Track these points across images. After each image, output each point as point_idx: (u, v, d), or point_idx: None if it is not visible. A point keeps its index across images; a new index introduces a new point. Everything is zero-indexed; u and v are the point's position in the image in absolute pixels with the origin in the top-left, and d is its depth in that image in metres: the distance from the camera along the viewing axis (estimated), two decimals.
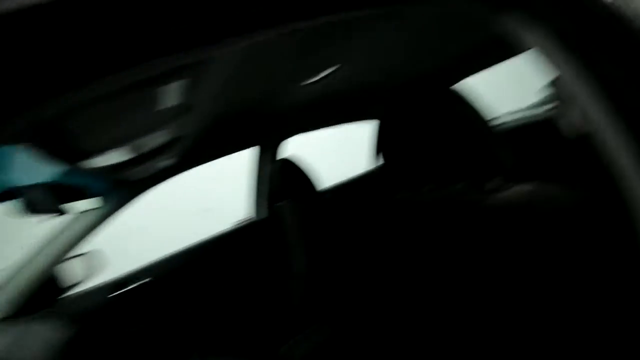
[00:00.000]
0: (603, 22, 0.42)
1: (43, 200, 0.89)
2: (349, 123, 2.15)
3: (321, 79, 1.25)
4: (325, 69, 1.14)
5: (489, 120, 0.60)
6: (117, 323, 1.37)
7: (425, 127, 0.59)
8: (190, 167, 1.52)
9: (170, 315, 1.48)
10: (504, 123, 2.24)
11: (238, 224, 1.81)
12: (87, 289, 1.33)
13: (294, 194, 1.35)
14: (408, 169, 0.66)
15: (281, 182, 1.35)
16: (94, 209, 1.20)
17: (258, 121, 1.55)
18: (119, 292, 1.38)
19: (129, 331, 1.38)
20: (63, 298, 1.21)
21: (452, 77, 2.04)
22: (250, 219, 1.87)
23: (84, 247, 1.24)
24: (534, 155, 1.64)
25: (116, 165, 0.92)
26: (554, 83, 0.50)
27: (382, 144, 0.69)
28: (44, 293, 1.12)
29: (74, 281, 1.24)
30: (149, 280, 1.44)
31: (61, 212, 0.98)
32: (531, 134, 1.90)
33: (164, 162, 1.24)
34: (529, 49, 0.45)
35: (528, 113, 2.09)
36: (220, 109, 1.14)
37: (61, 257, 1.15)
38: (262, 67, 0.91)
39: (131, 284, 1.41)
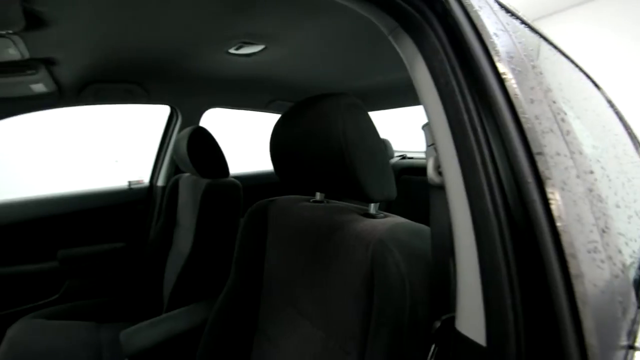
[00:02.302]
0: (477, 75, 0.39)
1: None
2: (265, 111, 2.11)
3: (246, 55, 1.20)
4: (251, 44, 1.10)
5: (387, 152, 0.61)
6: None
7: (322, 136, 0.59)
8: (77, 103, 1.43)
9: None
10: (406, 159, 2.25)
11: (128, 186, 1.78)
12: None
13: (198, 168, 1.27)
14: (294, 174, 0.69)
15: (187, 153, 1.24)
16: None
17: (169, 76, 1.42)
18: None
19: None
20: None
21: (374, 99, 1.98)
22: (139, 183, 1.83)
23: None
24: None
25: None
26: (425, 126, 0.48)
27: (275, 144, 0.71)
28: None
29: None
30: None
31: None
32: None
33: (37, 88, 1.17)
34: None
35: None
36: (119, 49, 1.07)
37: None
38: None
39: None
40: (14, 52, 0.83)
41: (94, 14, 0.80)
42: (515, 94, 0.36)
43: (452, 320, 0.42)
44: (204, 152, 1.28)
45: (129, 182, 1.80)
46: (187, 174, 1.50)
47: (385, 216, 0.64)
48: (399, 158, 2.24)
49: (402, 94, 1.84)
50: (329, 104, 0.61)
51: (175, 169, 1.82)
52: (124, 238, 1.74)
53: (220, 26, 0.96)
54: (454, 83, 0.40)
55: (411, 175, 1.99)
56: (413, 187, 1.86)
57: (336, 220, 0.65)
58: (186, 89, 1.62)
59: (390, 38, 0.50)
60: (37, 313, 1.32)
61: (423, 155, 1.90)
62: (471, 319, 0.37)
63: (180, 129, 1.77)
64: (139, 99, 1.59)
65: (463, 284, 0.38)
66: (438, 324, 0.44)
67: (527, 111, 0.35)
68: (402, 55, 0.48)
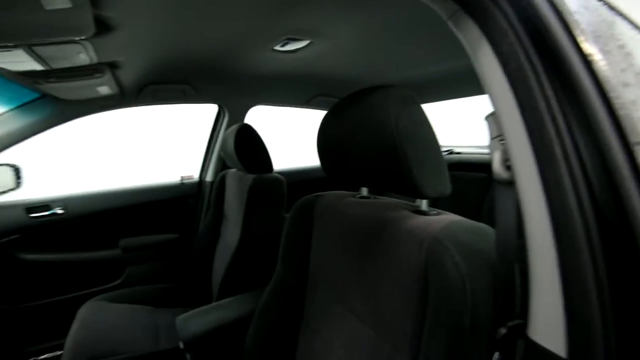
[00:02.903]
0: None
1: None
2: (309, 107, 2.13)
3: (290, 51, 1.21)
4: (296, 40, 1.11)
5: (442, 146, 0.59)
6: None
7: (373, 129, 0.57)
8: (136, 103, 1.55)
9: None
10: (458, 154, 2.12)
11: (180, 181, 1.89)
12: None
13: (245, 164, 1.31)
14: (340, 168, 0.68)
15: (234, 149, 1.29)
16: (14, 117, 1.24)
17: (217, 76, 1.49)
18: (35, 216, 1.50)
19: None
20: None
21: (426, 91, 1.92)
22: (190, 179, 1.93)
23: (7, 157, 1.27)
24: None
25: (29, 72, 0.96)
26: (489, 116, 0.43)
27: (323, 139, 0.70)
28: None
29: None
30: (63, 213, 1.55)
31: None
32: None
33: (102, 90, 1.26)
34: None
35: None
36: (175, 51, 1.15)
37: None
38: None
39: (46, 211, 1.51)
40: (84, 57, 0.91)
41: (153, 18, 0.85)
42: (607, 77, 0.31)
43: (520, 327, 0.39)
44: (250, 148, 1.32)
45: (181, 177, 1.91)
46: (233, 170, 1.56)
47: (439, 213, 0.61)
48: (446, 153, 2.14)
49: (458, 84, 1.75)
50: (381, 97, 0.59)
51: (222, 165, 1.90)
52: (177, 229, 1.85)
53: (266, 24, 0.98)
54: (527, 67, 0.36)
55: (459, 171, 1.89)
56: (461, 184, 1.77)
57: (386, 217, 0.63)
58: (233, 88, 1.68)
59: (449, 23, 0.47)
60: (103, 296, 1.46)
61: (473, 150, 1.81)
62: (548, 327, 0.34)
63: (227, 127, 1.84)
64: (190, 99, 1.67)
65: (538, 288, 0.35)
66: (504, 331, 0.41)
67: (622, 96, 0.31)
68: (463, 40, 0.45)
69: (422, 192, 0.56)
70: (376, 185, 0.66)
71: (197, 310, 1.09)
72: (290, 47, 1.19)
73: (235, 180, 1.45)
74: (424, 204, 0.62)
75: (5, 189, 1.38)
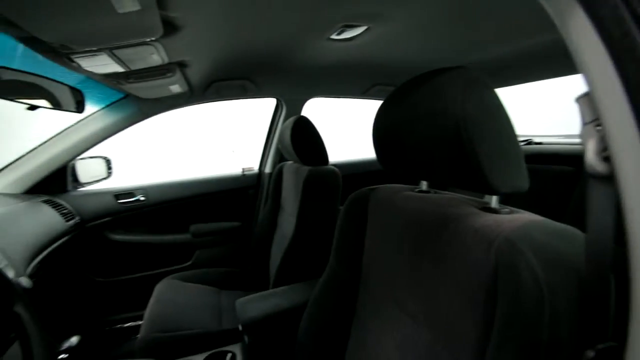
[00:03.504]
0: None
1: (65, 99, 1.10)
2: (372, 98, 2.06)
3: (347, 39, 1.17)
4: (353, 27, 1.07)
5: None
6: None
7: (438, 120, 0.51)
8: (203, 100, 1.67)
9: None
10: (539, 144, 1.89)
11: (242, 172, 2.01)
12: (91, 190, 1.62)
13: (301, 156, 1.32)
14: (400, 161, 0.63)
15: (290, 142, 1.31)
16: (105, 115, 1.44)
17: (275, 69, 1.52)
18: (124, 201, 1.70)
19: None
20: (69, 191, 1.53)
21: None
22: (250, 170, 2.04)
23: (100, 151, 1.52)
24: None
25: (113, 74, 1.06)
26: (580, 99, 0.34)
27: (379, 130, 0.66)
28: (51, 181, 1.41)
29: (82, 179, 1.52)
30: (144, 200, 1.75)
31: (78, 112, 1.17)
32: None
33: (174, 89, 1.37)
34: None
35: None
36: (237, 51, 1.23)
37: (73, 153, 1.42)
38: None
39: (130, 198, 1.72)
40: (156, 57, 0.99)
41: (214, 16, 0.89)
42: None
43: (614, 350, 0.33)
44: (306, 140, 1.32)
45: (243, 169, 2.02)
46: (290, 162, 1.59)
47: (512, 211, 0.54)
48: (524, 143, 1.91)
49: (539, 64, 1.54)
50: (444, 80, 0.53)
51: (280, 157, 1.96)
52: (239, 218, 1.97)
53: (322, 11, 0.96)
54: (636, 34, 0.29)
55: (539, 164, 1.67)
56: (541, 178, 1.56)
57: (448, 213, 0.57)
58: (290, 81, 1.71)
59: None
60: (175, 275, 1.61)
61: (556, 140, 1.58)
62: None
63: (285, 119, 1.88)
64: (250, 94, 1.75)
65: None
66: (592, 354, 0.34)
67: None
68: (548, 9, 0.38)
69: (493, 186, 0.49)
70: (438, 179, 0.60)
71: (255, 295, 1.14)
72: (347, 34, 1.15)
73: (292, 172, 1.48)
74: (494, 201, 0.55)
75: (99, 178, 1.61)
